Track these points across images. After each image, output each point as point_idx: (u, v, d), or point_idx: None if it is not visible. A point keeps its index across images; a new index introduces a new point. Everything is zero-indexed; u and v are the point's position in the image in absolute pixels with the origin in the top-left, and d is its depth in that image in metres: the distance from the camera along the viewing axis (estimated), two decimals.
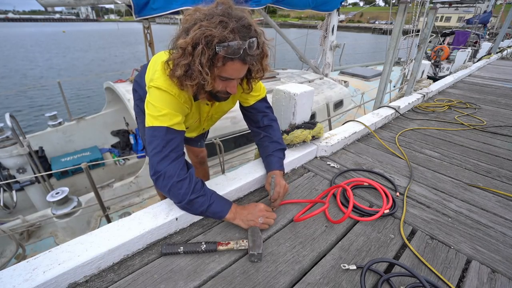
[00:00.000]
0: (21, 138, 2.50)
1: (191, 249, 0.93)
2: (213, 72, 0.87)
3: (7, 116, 2.39)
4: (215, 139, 1.95)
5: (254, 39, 0.84)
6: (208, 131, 1.79)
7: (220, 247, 0.94)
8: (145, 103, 0.97)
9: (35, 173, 2.58)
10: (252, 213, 1.03)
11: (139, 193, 2.63)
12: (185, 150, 1.78)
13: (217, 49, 0.80)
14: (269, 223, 1.05)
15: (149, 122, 0.95)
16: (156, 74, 0.96)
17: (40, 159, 2.78)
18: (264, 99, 1.26)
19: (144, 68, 1.22)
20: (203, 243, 0.94)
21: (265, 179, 1.33)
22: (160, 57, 1.02)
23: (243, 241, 0.96)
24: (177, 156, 0.95)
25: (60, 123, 3.28)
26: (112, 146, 3.69)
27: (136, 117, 1.47)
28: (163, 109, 0.93)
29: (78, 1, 2.32)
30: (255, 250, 0.91)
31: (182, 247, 0.93)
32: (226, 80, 0.91)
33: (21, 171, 2.62)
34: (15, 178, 2.59)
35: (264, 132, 1.25)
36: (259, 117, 1.25)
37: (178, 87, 0.92)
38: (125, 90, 2.79)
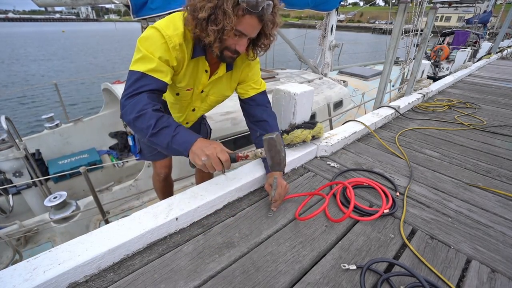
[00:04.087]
0: (17, 141, 2.46)
1: None
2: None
3: (2, 118, 2.34)
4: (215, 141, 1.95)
5: (271, 2, 0.89)
6: (210, 129, 1.77)
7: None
8: None
9: (32, 177, 2.54)
10: (201, 148, 0.89)
11: (139, 196, 2.62)
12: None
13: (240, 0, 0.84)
14: (208, 168, 0.91)
15: (130, 66, 0.95)
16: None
17: (37, 162, 2.74)
18: (264, 93, 1.26)
19: None
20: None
21: (265, 179, 1.33)
22: None
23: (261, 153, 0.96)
24: (145, 91, 0.92)
25: (57, 125, 3.23)
26: (110, 148, 3.67)
27: None
28: (143, 49, 0.93)
29: (75, 1, 2.30)
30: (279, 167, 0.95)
31: None
32: (238, 36, 0.93)
33: (17, 174, 2.58)
34: (11, 182, 2.54)
35: (260, 129, 1.23)
36: (258, 110, 1.24)
37: (196, 33, 0.92)
38: None
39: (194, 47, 1.02)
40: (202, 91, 1.20)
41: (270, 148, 0.93)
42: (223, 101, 1.32)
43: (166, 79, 0.97)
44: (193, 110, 1.32)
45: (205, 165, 0.90)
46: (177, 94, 1.18)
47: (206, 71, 1.11)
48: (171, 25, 0.95)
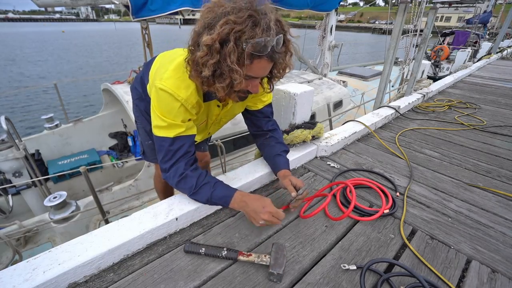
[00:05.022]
0: (17, 141, 2.46)
1: (212, 253, 0.92)
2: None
3: (2, 119, 2.34)
4: (216, 141, 1.95)
5: (281, 35, 0.79)
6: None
7: (241, 257, 0.90)
8: (151, 107, 0.96)
9: (31, 177, 2.54)
10: (255, 211, 0.95)
11: (139, 196, 2.62)
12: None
13: (244, 46, 0.74)
14: (269, 225, 1.00)
15: (155, 131, 0.96)
16: (166, 73, 0.90)
17: (37, 162, 2.74)
18: (270, 105, 1.26)
19: (149, 63, 1.12)
20: (224, 249, 0.93)
21: (266, 178, 1.34)
22: (175, 54, 0.97)
23: (265, 256, 0.90)
24: (186, 158, 0.99)
25: (57, 126, 3.23)
26: (110, 148, 3.67)
27: (135, 120, 1.40)
28: (166, 119, 0.92)
29: (75, 1, 2.31)
30: (275, 269, 0.84)
31: (204, 249, 0.93)
32: (249, 79, 0.86)
33: (17, 175, 2.58)
34: (11, 182, 2.54)
35: (270, 133, 1.27)
36: (264, 122, 1.25)
37: (202, 87, 0.88)
38: (123, 92, 2.77)
39: (204, 93, 0.99)
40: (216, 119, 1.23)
41: (277, 251, 0.92)
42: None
43: (194, 130, 1.02)
44: (209, 133, 1.39)
45: (263, 224, 0.97)
46: None
47: (218, 105, 1.11)
48: (182, 84, 0.89)
